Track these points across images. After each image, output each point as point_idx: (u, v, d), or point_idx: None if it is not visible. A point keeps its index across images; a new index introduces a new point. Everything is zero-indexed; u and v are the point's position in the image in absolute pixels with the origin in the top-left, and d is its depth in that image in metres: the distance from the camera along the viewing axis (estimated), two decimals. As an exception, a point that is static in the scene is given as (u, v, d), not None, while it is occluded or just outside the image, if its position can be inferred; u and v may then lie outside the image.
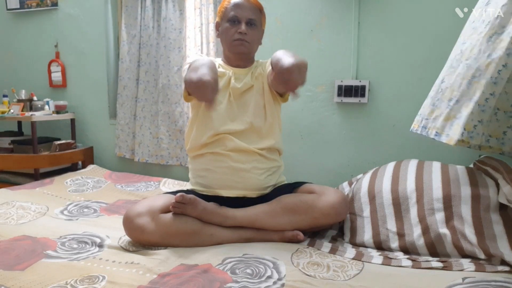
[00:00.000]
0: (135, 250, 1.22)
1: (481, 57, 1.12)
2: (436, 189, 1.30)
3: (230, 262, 1.11)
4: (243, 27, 1.40)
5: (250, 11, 1.42)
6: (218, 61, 1.53)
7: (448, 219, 1.23)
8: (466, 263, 1.12)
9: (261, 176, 1.41)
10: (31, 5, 2.64)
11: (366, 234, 1.33)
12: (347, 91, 1.92)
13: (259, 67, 1.51)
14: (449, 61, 1.28)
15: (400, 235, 1.27)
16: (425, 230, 1.24)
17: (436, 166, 1.42)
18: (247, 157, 1.40)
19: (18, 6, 2.67)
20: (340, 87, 1.93)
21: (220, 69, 1.47)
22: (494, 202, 1.22)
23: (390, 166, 1.51)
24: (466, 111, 1.14)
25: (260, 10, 1.47)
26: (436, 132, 1.24)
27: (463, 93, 1.16)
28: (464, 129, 1.14)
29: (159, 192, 1.93)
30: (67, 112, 2.54)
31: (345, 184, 1.72)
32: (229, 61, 1.50)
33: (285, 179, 1.57)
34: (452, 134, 1.18)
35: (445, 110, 1.22)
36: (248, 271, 1.06)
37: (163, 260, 1.12)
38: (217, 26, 1.50)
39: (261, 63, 1.53)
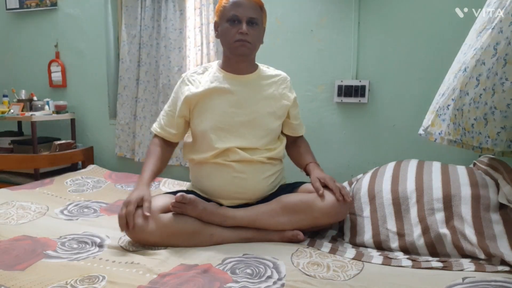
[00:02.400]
0: (135, 250, 1.22)
1: (468, 51, 1.15)
2: (436, 189, 1.30)
3: (230, 262, 1.11)
4: (244, 27, 1.32)
5: (250, 10, 1.34)
6: (215, 68, 1.45)
7: (448, 219, 1.23)
8: (466, 263, 1.12)
9: (264, 184, 1.40)
10: (30, 5, 2.64)
11: (366, 234, 1.33)
12: (347, 91, 1.92)
13: (274, 88, 1.45)
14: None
15: (400, 235, 1.27)
16: (425, 230, 1.24)
17: (436, 166, 1.42)
18: (250, 167, 1.37)
19: (18, 6, 2.67)
20: (340, 87, 1.93)
21: (217, 84, 1.40)
22: (494, 202, 1.22)
23: (390, 166, 1.51)
24: (446, 103, 1.20)
25: (260, 7, 1.39)
26: (422, 128, 1.30)
27: (449, 86, 1.20)
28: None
29: (159, 192, 1.93)
30: (67, 112, 2.54)
31: (345, 184, 1.72)
32: (229, 63, 1.43)
33: (285, 179, 1.56)
34: (425, 123, 1.25)
35: (433, 106, 1.27)
36: (248, 271, 1.05)
37: (163, 260, 1.12)
38: (216, 26, 1.42)
39: (280, 80, 1.48)
